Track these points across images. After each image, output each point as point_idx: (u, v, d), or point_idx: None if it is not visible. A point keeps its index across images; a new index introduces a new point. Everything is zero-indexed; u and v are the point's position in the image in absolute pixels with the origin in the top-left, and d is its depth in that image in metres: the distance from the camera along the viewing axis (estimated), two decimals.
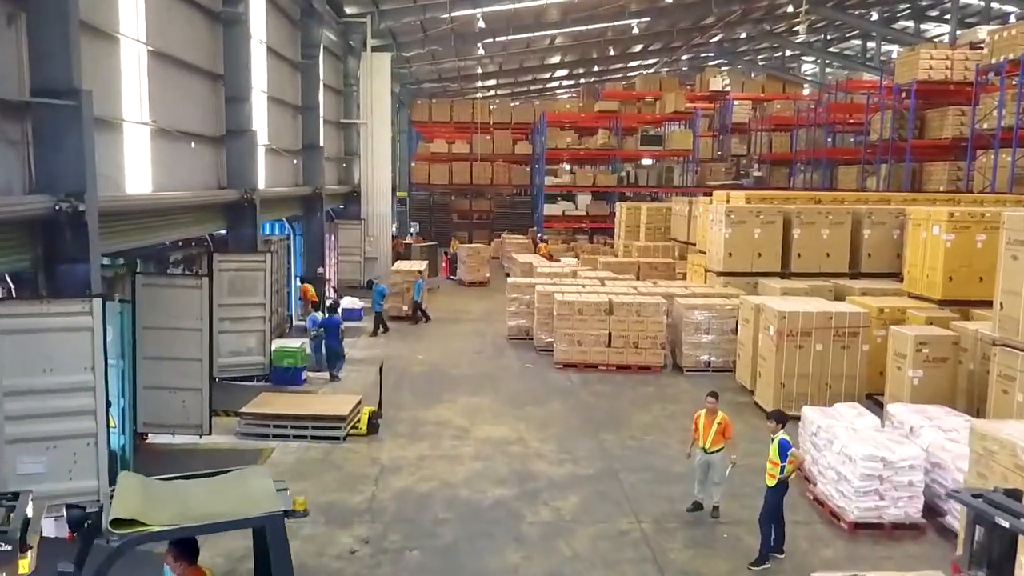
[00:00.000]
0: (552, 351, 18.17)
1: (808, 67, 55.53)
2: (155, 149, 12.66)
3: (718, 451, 10.11)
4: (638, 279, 24.14)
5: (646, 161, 46.38)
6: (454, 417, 14.04)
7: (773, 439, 9.10)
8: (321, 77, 25.36)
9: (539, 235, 39.09)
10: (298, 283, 22.10)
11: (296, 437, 12.60)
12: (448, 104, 46.25)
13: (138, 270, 12.60)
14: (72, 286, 8.98)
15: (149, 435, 12.47)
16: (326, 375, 16.79)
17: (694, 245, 26.23)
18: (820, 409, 11.37)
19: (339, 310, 18.25)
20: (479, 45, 36.39)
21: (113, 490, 5.51)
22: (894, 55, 44.35)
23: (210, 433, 12.36)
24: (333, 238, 26.80)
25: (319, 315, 17.31)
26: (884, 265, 19.49)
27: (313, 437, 12.60)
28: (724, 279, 19.81)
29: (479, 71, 45.44)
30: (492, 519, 9.97)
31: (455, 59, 41.17)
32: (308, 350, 17.19)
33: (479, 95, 54.43)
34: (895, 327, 13.03)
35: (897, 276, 19.13)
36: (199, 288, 12.18)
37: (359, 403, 13.41)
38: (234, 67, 15.65)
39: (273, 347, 17.03)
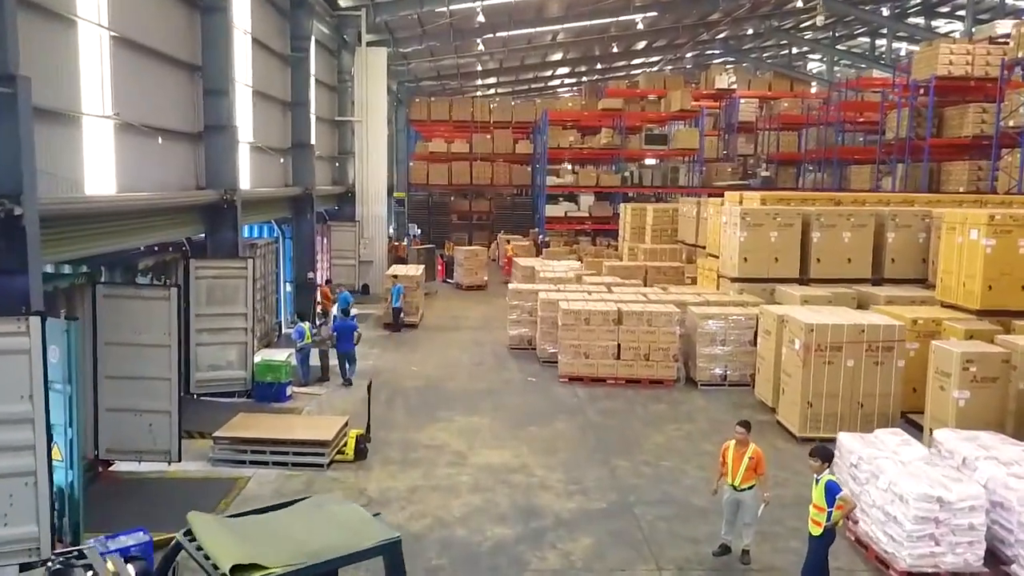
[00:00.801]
0: (556, 363, 16.98)
1: (813, 65, 54.34)
2: (120, 146, 11.45)
3: (749, 488, 8.90)
4: (645, 284, 22.99)
5: (649, 161, 45.20)
6: (450, 439, 12.83)
7: (817, 480, 7.87)
8: (312, 72, 24.16)
9: (540, 236, 37.90)
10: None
11: (276, 464, 11.39)
12: (447, 102, 45.17)
13: (100, 280, 11.38)
14: (6, 302, 7.78)
15: (115, 462, 11.28)
16: (313, 390, 15.60)
17: (703, 248, 25.05)
18: (859, 436, 10.15)
19: (353, 314, 17.37)
20: (479, 41, 35.21)
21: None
22: (903, 53, 43.48)
23: (179, 460, 11.16)
24: (325, 241, 25.60)
25: (306, 326, 16.11)
26: (909, 271, 18.33)
27: (294, 464, 11.40)
28: (739, 285, 18.63)
29: (479, 68, 44.29)
30: (492, 566, 8.76)
31: (454, 56, 40.03)
32: (294, 362, 16.01)
33: (479, 93, 53.24)
34: (938, 343, 11.81)
35: (923, 283, 18.06)
36: (167, 299, 10.98)
37: (345, 425, 12.21)
38: (213, 58, 14.45)
39: (257, 359, 15.88)
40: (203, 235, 14.85)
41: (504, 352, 19.18)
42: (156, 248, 14.52)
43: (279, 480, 11.01)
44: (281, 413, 13.91)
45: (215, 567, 4.80)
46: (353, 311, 21.13)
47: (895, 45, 44.39)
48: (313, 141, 23.04)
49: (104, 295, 10.91)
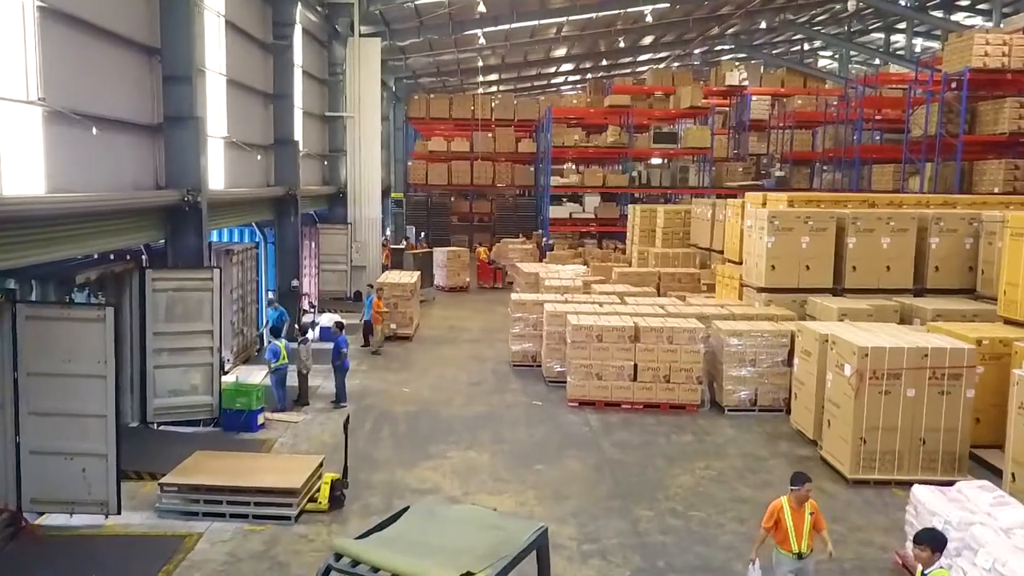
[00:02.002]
0: (564, 383, 15.18)
1: (823, 62, 52.51)
2: (51, 139, 9.64)
3: (811, 553, 7.14)
4: (659, 292, 21.19)
5: (655, 161, 43.44)
6: (443, 481, 11.00)
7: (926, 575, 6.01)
8: (299, 63, 22.42)
9: (544, 239, 36.11)
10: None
11: (233, 516, 9.57)
12: (447, 99, 43.60)
13: (22, 297, 9.59)
14: None
15: (41, 515, 9.50)
16: (290, 417, 13.78)
17: (719, 252, 23.26)
18: (939, 492, 8.33)
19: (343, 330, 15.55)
20: (479, 33, 33.44)
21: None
22: (917, 49, 41.76)
23: (119, 511, 9.37)
24: (314, 245, 23.80)
25: (281, 343, 14.29)
26: (954, 280, 16.56)
27: (256, 517, 9.57)
28: (765, 296, 16.84)
29: (480, 64, 42.52)
30: None
31: (454, 50, 38.29)
32: (269, 383, 14.21)
33: (480, 91, 51.47)
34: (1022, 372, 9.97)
35: (969, 293, 16.27)
36: (101, 320, 9.17)
37: (320, 466, 10.39)
38: (175, 39, 12.65)
39: (231, 379, 14.14)
40: (162, 241, 13.02)
41: (506, 370, 17.35)
42: (111, 257, 12.74)
43: (235, 538, 9.17)
44: (248, 449, 12.05)
45: None
46: (316, 326, 19.55)
47: (912, 41, 42.82)
48: (299, 137, 21.27)
49: (27, 316, 9.12)
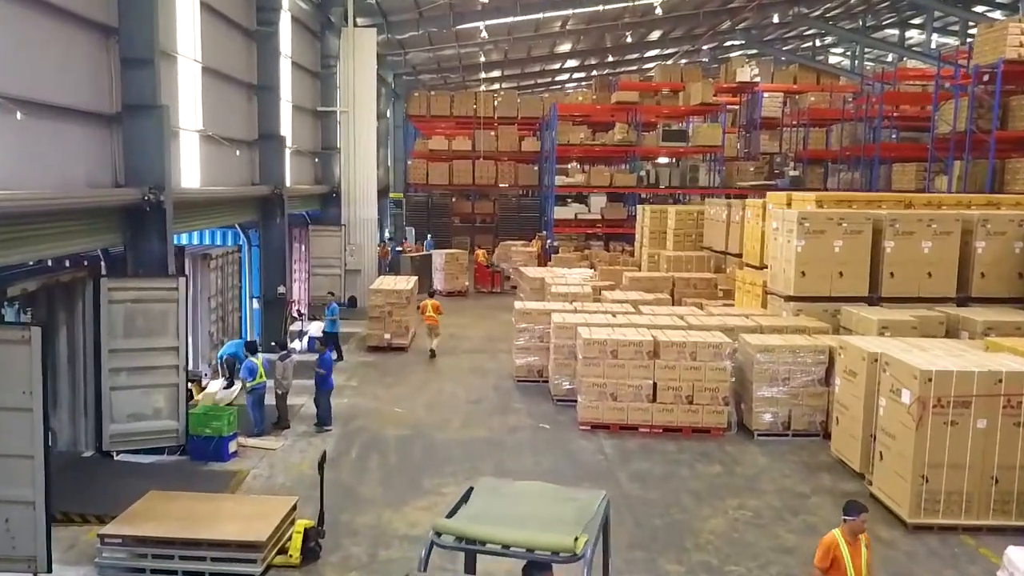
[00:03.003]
0: (574, 402, 13.69)
1: (834, 59, 51.01)
2: None
3: None
4: (673, 300, 19.70)
5: (662, 160, 41.99)
6: None
7: None
8: (287, 52, 20.99)
9: (549, 240, 34.60)
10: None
11: (187, 573, 8.08)
12: (448, 97, 42.27)
13: None
14: None
15: None
16: (267, 443, 12.28)
17: (735, 256, 21.80)
18: None
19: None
20: (481, 26, 31.94)
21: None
22: (932, 45, 40.36)
23: (49, 569, 7.86)
24: (304, 248, 22.31)
25: (258, 360, 12.78)
26: (1001, 288, 15.14)
27: (213, 574, 8.08)
28: (794, 305, 15.34)
29: (482, 59, 41.05)
30: None
31: (455, 44, 36.81)
32: (245, 403, 12.72)
33: (483, 88, 50.00)
34: None
35: (1019, 302, 14.79)
36: (26, 343, 7.67)
37: (293, 509, 8.89)
38: (135, 17, 11.16)
39: (215, 386, 12.68)
40: (121, 247, 11.53)
41: (509, 385, 15.84)
42: (66, 264, 11.28)
43: None
44: (217, 481, 10.59)
45: (543, 552, 4.69)
46: (304, 336, 18.05)
47: (922, 38, 41.48)
48: (286, 132, 19.81)
49: None
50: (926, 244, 15.03)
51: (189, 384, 14.99)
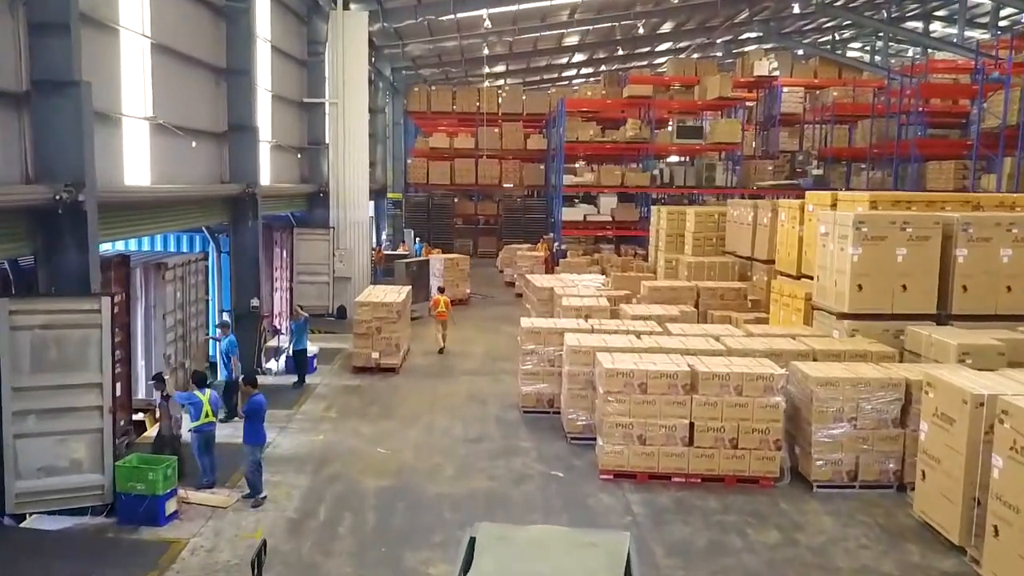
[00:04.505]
0: (592, 441, 11.45)
1: (852, 53, 48.71)
2: None
3: None
4: (698, 312, 17.45)
5: (673, 158, 39.71)
6: None
7: None
8: (267, 35, 18.76)
9: (556, 244, 32.36)
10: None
11: None
12: (450, 92, 40.36)
13: None
14: None
15: None
16: (216, 498, 9.99)
17: (764, 262, 19.60)
18: None
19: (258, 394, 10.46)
20: (484, 15, 29.66)
21: None
22: (954, 39, 38.23)
23: None
24: (286, 253, 20.07)
25: (203, 395, 10.41)
26: None
27: None
28: (849, 323, 13.08)
29: (485, 52, 38.79)
30: None
31: (457, 35, 34.54)
32: (192, 450, 10.45)
33: (485, 83, 47.81)
34: None
35: None
36: None
37: None
38: None
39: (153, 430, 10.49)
40: (31, 257, 9.29)
41: (514, 417, 13.56)
42: None
43: None
44: (147, 554, 8.34)
45: None
46: (282, 355, 15.55)
47: (950, 31, 39.28)
48: (264, 123, 17.58)
49: None
50: (1005, 252, 12.82)
51: (141, 415, 12.93)
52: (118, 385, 11.52)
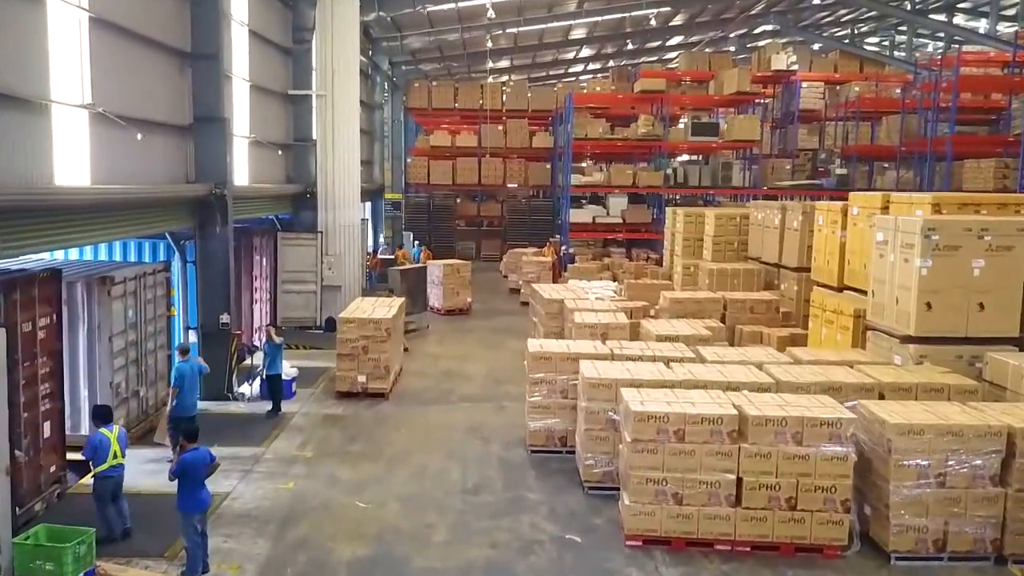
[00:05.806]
0: (613, 492, 9.48)
1: (870, 48, 46.76)
2: None
3: None
4: (725, 327, 15.46)
5: (683, 157, 37.82)
6: None
7: None
8: (243, 18, 16.87)
9: (564, 247, 30.40)
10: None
11: None
12: (452, 87, 38.67)
13: None
14: None
15: None
16: (147, 572, 8.03)
17: (796, 270, 17.65)
18: None
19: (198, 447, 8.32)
20: (488, 4, 27.72)
21: None
22: (981, 30, 36.34)
23: None
24: (267, 260, 18.12)
25: (111, 432, 8.31)
26: None
27: None
28: (915, 348, 11.09)
29: (489, 45, 36.90)
30: None
31: (458, 26, 32.63)
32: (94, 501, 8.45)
33: (489, 78, 45.95)
34: None
35: None
36: None
37: None
38: None
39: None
40: None
41: (520, 458, 11.56)
42: None
43: None
44: None
45: None
46: (255, 379, 13.43)
47: (974, 23, 37.37)
48: (239, 116, 15.65)
49: None
50: None
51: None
52: (47, 424, 9.80)
